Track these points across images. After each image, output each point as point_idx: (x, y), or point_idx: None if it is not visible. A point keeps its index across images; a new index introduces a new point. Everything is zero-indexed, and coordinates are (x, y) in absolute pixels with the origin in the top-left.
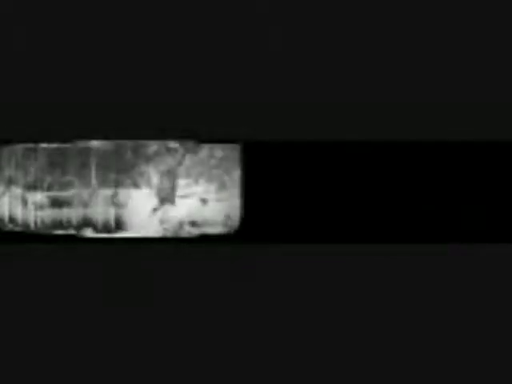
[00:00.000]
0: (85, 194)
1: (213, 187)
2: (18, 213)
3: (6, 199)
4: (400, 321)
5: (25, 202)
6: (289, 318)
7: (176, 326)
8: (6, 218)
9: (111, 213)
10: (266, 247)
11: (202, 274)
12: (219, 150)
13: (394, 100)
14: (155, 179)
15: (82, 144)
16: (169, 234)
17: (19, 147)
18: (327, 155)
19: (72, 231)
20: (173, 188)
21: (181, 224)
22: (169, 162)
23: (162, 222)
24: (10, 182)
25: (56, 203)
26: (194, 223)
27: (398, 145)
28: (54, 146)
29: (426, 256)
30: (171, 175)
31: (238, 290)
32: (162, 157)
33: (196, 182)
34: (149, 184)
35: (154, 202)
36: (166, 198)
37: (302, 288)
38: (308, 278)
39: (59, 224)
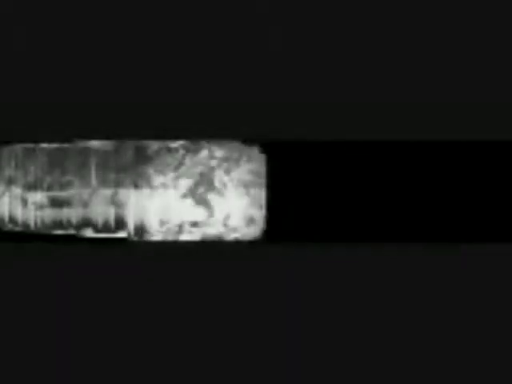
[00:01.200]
0: (85, 193)
1: (213, 187)
2: (18, 213)
3: (6, 199)
4: (405, 321)
5: (25, 202)
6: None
7: (176, 327)
8: (6, 218)
9: (111, 213)
10: (291, 248)
11: (204, 275)
12: (219, 150)
13: (406, 100)
14: (189, 182)
15: (81, 144)
16: (170, 234)
17: (19, 147)
18: (348, 155)
19: (72, 231)
20: (207, 191)
21: (181, 224)
22: (171, 162)
23: (162, 222)
24: (10, 182)
25: (56, 203)
26: (194, 223)
27: (415, 144)
28: (54, 146)
29: (427, 256)
30: (206, 178)
31: (243, 291)
32: (162, 157)
33: (197, 182)
34: (149, 184)
35: (188, 204)
36: (200, 201)
37: (323, 290)
38: (329, 278)
39: (59, 224)
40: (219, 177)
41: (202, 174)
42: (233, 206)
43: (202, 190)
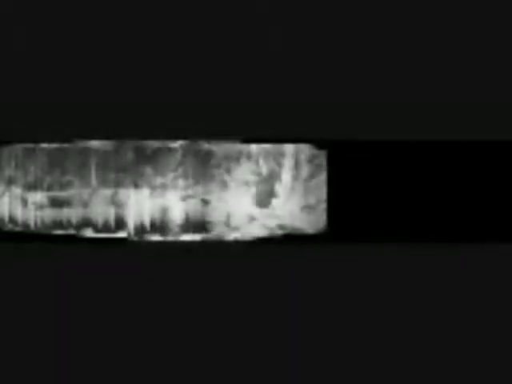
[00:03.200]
0: (85, 193)
1: (214, 187)
2: (18, 213)
3: (6, 199)
4: (405, 321)
5: (25, 202)
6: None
7: (176, 327)
8: (6, 218)
9: (111, 213)
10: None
11: (203, 275)
12: (219, 150)
13: (404, 99)
14: (255, 184)
15: (81, 144)
16: (170, 235)
17: (19, 147)
18: (347, 155)
19: (72, 231)
20: (270, 193)
21: (182, 224)
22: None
23: (161, 222)
24: (10, 182)
25: (56, 203)
26: (195, 224)
27: (418, 144)
28: (54, 146)
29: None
30: (270, 180)
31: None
32: (162, 157)
33: (197, 182)
34: (149, 184)
35: (251, 207)
36: (263, 203)
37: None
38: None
39: (59, 224)
40: (220, 176)
41: (202, 174)
42: (234, 206)
43: (202, 190)
